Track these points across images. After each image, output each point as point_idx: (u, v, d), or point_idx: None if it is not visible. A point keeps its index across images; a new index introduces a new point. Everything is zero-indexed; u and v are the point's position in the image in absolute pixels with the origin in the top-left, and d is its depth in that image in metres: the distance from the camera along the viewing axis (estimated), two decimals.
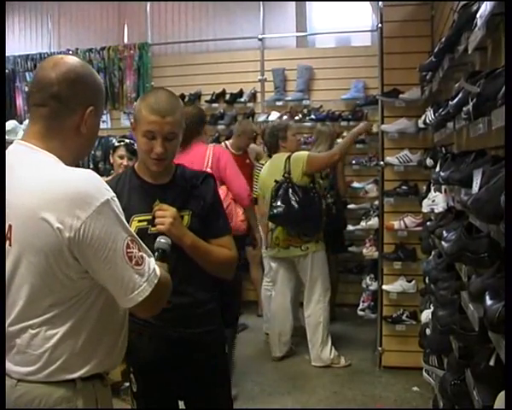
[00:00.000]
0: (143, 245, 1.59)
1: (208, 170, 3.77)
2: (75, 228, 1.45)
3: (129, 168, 2.35)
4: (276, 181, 4.64)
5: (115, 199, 1.54)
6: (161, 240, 1.90)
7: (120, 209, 1.55)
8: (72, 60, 1.62)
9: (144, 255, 1.56)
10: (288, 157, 4.68)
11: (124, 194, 2.18)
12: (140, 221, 2.15)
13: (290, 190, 4.57)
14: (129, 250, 1.52)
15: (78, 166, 1.62)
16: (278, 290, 4.92)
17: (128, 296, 1.53)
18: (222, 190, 3.66)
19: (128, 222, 2.08)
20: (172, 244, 2.09)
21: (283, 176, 4.63)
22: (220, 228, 2.27)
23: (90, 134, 1.65)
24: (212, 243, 2.22)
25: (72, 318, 1.54)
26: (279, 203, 4.57)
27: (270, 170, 4.80)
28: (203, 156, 3.92)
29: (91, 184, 1.51)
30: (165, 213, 2.10)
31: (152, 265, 1.58)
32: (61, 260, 1.49)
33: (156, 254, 1.81)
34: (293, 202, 4.53)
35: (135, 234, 1.58)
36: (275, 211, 4.59)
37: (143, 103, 2.13)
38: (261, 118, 6.38)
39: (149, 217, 2.14)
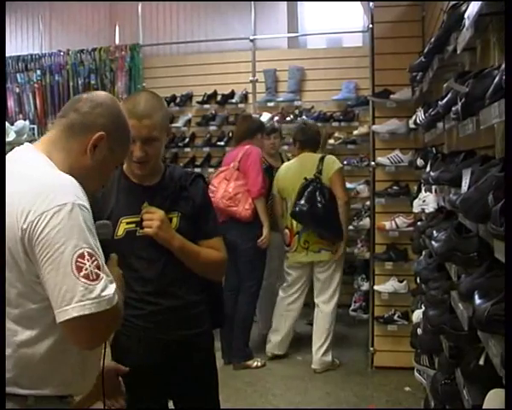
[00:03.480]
0: (106, 269, 1.48)
1: (236, 163, 4.62)
2: (29, 220, 1.42)
3: (117, 169, 2.34)
4: (305, 178, 4.57)
5: (83, 208, 1.47)
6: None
7: (88, 221, 1.47)
8: (105, 94, 1.76)
9: (102, 275, 1.44)
10: (322, 158, 4.65)
11: (112, 195, 2.17)
12: (128, 223, 2.14)
13: (318, 192, 4.51)
14: (80, 260, 1.41)
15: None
16: (293, 292, 4.82)
17: (62, 307, 1.40)
18: (242, 181, 4.59)
19: (116, 224, 2.10)
20: (161, 247, 2.09)
21: (314, 175, 4.57)
22: (210, 230, 2.26)
23: (97, 166, 1.62)
24: (201, 245, 2.21)
25: (27, 330, 1.47)
26: (303, 202, 4.50)
27: (297, 168, 4.70)
28: (238, 153, 4.70)
29: (61, 184, 1.49)
30: (153, 216, 2.10)
31: (110, 290, 1.44)
32: (15, 253, 1.44)
33: None
34: (318, 203, 4.48)
35: (98, 252, 1.47)
36: (297, 209, 4.53)
37: (123, 107, 2.12)
38: None
39: (138, 219, 2.13)
